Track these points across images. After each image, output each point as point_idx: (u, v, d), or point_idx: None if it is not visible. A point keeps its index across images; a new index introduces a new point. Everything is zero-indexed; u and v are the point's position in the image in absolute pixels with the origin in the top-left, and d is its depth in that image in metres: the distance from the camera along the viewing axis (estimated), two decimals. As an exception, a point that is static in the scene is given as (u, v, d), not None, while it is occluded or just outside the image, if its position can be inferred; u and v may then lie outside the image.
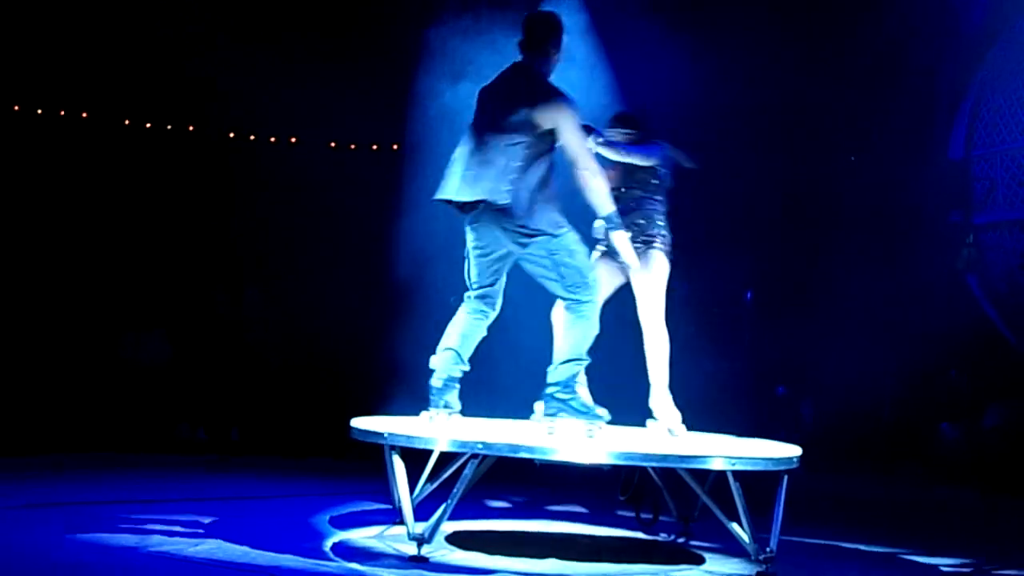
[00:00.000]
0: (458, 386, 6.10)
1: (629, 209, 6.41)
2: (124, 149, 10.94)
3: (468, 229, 6.02)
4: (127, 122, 11.05)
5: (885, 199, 10.85)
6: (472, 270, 6.08)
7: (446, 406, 6.03)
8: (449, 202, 5.98)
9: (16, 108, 10.65)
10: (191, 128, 11.27)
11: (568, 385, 5.97)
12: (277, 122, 11.30)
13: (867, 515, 8.11)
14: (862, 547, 6.70)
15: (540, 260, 5.93)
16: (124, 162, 10.87)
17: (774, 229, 10.96)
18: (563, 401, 5.97)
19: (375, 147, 11.46)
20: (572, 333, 5.98)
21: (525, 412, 6.32)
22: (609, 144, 6.35)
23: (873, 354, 10.60)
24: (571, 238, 5.95)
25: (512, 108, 5.87)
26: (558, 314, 6.17)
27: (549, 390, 6.01)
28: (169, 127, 11.21)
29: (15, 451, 8.39)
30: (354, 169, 11.33)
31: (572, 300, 5.96)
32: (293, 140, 11.48)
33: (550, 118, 5.84)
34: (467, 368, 6.10)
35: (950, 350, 10.51)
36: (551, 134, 5.86)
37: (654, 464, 6.00)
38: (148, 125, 11.12)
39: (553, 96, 5.89)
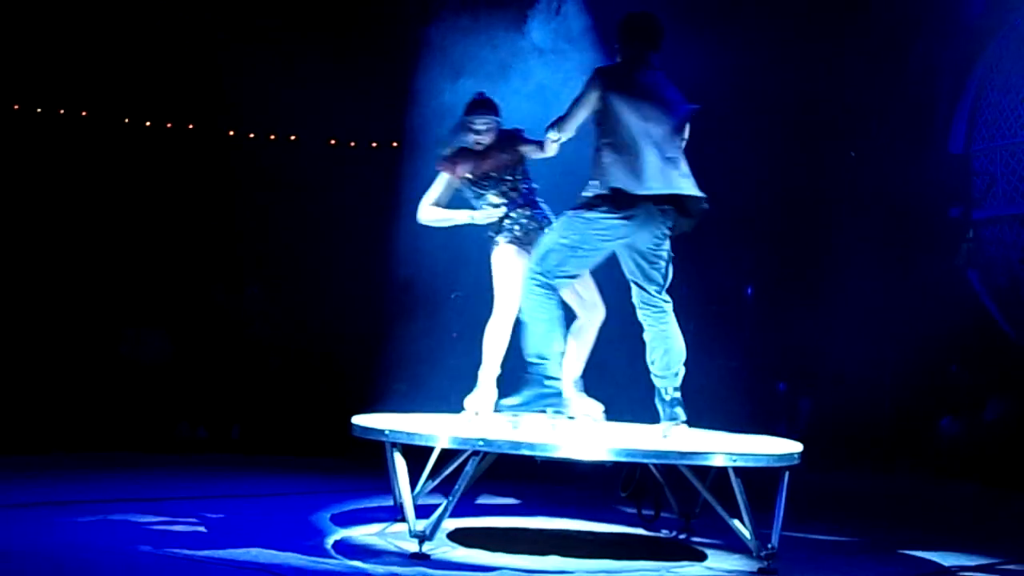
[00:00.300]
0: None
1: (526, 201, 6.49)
2: (124, 147, 10.93)
3: (619, 221, 5.87)
4: (127, 120, 11.04)
5: (885, 195, 10.84)
6: (579, 261, 5.97)
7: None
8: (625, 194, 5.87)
9: (16, 107, 10.64)
10: (191, 126, 11.27)
11: (680, 389, 6.03)
12: (277, 120, 11.29)
13: (868, 510, 8.12)
14: (864, 542, 6.71)
15: (661, 258, 5.97)
16: (124, 160, 10.86)
17: (774, 225, 10.95)
18: (681, 404, 6.01)
19: (375, 145, 11.46)
20: (676, 338, 6.00)
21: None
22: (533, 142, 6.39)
23: (873, 349, 10.60)
24: None
25: (679, 113, 5.99)
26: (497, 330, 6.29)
27: (674, 395, 6.00)
28: (169, 125, 11.20)
29: (16, 450, 8.40)
30: (354, 167, 11.32)
31: (663, 301, 5.98)
32: (293, 138, 11.47)
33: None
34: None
35: (950, 345, 10.51)
36: None
37: (655, 460, 6.01)
38: (148, 123, 11.12)
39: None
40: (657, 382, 6.00)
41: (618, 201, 5.82)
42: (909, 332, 10.50)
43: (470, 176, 6.53)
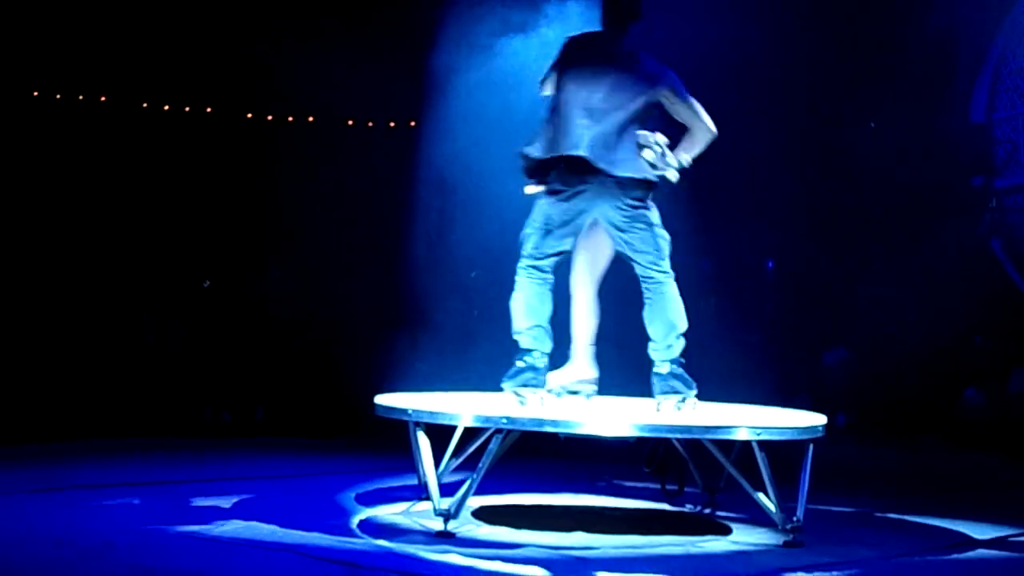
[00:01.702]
0: None
1: None
2: (142, 132, 10.94)
3: (573, 196, 5.99)
4: (145, 105, 11.05)
5: (906, 165, 10.78)
6: (555, 241, 6.12)
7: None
8: None
9: (35, 94, 10.66)
10: (208, 110, 11.27)
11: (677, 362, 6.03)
12: (295, 101, 11.29)
13: (893, 482, 8.10)
14: (889, 515, 6.69)
15: (638, 229, 6.05)
16: (143, 145, 10.87)
17: (795, 198, 10.91)
18: (679, 376, 5.99)
19: (392, 124, 11.45)
20: (670, 310, 6.01)
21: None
22: None
23: (896, 320, 10.56)
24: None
25: (628, 85, 6.07)
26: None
27: (671, 368, 5.99)
28: (187, 109, 11.21)
29: (42, 436, 8.45)
30: (372, 146, 11.31)
31: (658, 272, 6.01)
32: (311, 119, 11.47)
33: None
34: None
35: (974, 316, 10.46)
36: None
37: (679, 435, 6.00)
38: (166, 108, 11.12)
39: None
40: (651, 355, 6.02)
41: (564, 177, 5.92)
42: (932, 303, 10.45)
43: None
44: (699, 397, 6.46)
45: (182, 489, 6.59)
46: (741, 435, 5.55)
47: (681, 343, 5.98)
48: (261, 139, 11.22)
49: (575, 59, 6.04)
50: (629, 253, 6.01)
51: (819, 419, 5.89)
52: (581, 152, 5.86)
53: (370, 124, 11.55)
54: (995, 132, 10.96)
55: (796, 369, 10.94)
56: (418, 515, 5.97)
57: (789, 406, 6.70)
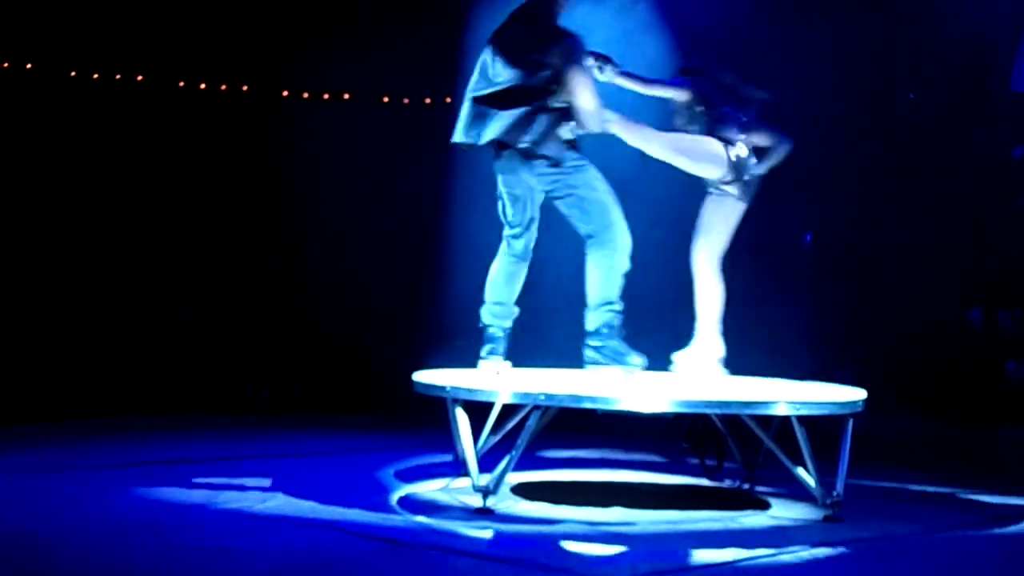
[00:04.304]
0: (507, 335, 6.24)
1: None
2: (180, 111, 10.96)
3: (497, 170, 6.19)
4: (181, 84, 11.07)
5: (946, 137, 10.67)
6: (509, 211, 6.24)
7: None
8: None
9: (72, 74, 10.70)
10: (245, 88, 11.29)
11: (599, 333, 5.96)
12: (330, 78, 11.28)
13: (933, 457, 8.05)
14: (929, 489, 6.66)
15: (568, 194, 6.01)
16: (180, 124, 10.89)
17: (832, 170, 10.82)
18: (596, 349, 5.96)
19: (428, 100, 11.42)
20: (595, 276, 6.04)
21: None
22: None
23: (936, 293, 10.48)
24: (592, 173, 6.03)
25: (510, 60, 6.12)
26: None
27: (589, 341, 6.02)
28: (223, 87, 11.22)
29: (85, 413, 8.53)
30: (407, 123, 11.29)
31: (588, 236, 6.03)
32: (346, 96, 11.46)
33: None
34: (516, 313, 6.24)
35: (1015, 288, 10.38)
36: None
37: (717, 411, 5.98)
38: (202, 86, 11.14)
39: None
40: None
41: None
42: (972, 275, 10.36)
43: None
44: (737, 372, 6.47)
45: (221, 466, 6.64)
46: (780, 410, 5.53)
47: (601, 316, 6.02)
48: (296, 117, 11.21)
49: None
50: (570, 221, 6.09)
51: (859, 394, 5.86)
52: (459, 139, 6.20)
53: (406, 101, 11.53)
54: (1037, 101, 10.83)
55: (835, 342, 10.88)
56: (457, 492, 5.99)
57: (829, 381, 6.67)
